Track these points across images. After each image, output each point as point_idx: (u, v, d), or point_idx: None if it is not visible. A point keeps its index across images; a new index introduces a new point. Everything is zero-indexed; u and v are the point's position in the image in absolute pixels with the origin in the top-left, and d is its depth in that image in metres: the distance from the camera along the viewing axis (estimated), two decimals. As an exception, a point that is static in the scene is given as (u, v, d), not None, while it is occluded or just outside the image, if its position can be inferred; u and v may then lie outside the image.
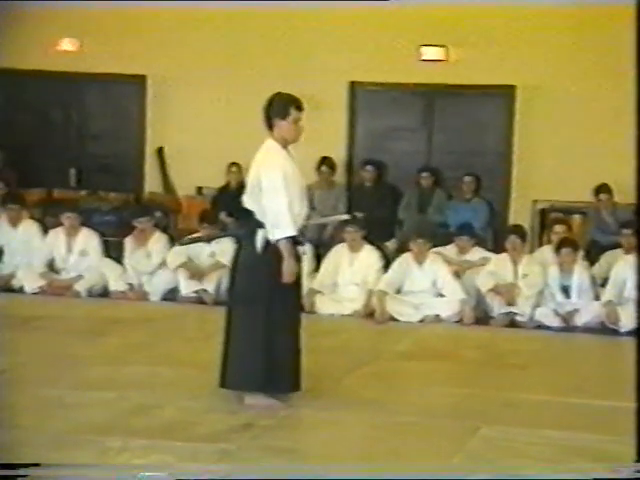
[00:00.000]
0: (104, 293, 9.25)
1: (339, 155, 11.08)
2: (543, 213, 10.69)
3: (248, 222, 5.39)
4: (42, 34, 11.36)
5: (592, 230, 9.92)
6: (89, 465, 4.33)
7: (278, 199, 5.23)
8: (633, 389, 5.52)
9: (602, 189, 9.81)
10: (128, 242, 9.44)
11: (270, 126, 5.39)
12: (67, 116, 11.96)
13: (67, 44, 11.58)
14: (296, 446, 4.83)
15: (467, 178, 10.39)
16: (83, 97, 11.90)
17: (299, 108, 5.37)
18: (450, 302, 8.50)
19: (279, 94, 5.40)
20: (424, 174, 10.62)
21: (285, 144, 5.40)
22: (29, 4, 10.45)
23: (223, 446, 4.76)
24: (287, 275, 5.24)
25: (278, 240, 5.22)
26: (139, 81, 11.62)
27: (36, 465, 4.00)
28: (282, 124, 5.33)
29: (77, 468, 4.22)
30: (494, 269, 8.75)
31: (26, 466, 3.96)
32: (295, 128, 5.36)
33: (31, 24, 11.03)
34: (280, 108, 5.34)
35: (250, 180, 5.48)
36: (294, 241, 5.27)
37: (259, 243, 5.28)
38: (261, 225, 5.30)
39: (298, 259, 5.33)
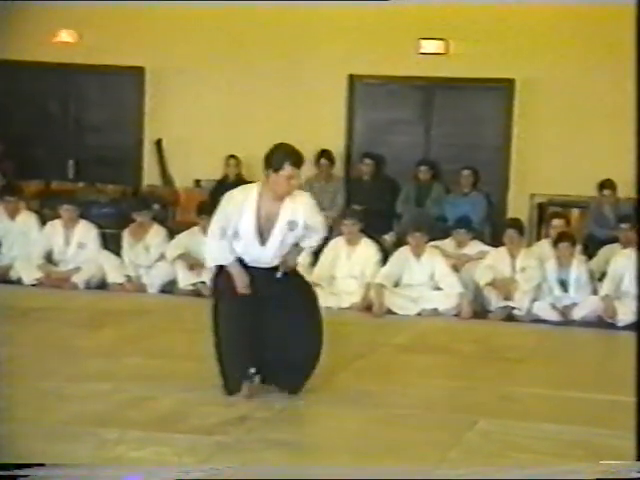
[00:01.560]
0: (102, 285, 9.24)
1: (338, 148, 11.07)
2: (541, 207, 10.69)
3: None
4: (40, 25, 11.33)
5: (590, 224, 9.92)
6: (90, 465, 4.32)
7: (215, 222, 5.44)
8: (630, 383, 5.53)
9: (606, 184, 9.79)
10: (126, 234, 9.44)
11: (266, 174, 5.36)
12: (65, 108, 11.94)
13: (65, 36, 11.56)
14: (292, 439, 4.83)
15: (465, 172, 10.38)
16: (81, 89, 11.87)
17: (295, 165, 5.30)
18: (448, 296, 8.51)
19: (279, 146, 5.37)
20: (422, 167, 10.61)
21: (275, 196, 5.37)
22: (28, -4, 10.46)
23: (219, 438, 4.77)
24: (240, 289, 5.41)
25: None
26: (137, 73, 11.60)
27: (40, 465, 4.01)
28: (274, 177, 5.30)
29: (79, 468, 4.21)
30: (492, 263, 8.75)
31: (29, 466, 3.96)
32: (287, 184, 5.30)
33: (29, 16, 11.00)
34: (275, 161, 5.31)
35: None
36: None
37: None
38: None
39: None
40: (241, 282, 5.40)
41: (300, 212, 5.40)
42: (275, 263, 5.46)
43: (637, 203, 8.52)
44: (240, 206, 5.36)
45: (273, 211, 5.36)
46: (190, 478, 4.21)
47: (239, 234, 5.38)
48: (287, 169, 5.25)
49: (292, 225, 5.38)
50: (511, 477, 4.34)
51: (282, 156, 5.30)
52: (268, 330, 5.42)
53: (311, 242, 5.59)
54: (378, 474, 4.32)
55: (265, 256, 5.43)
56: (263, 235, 5.39)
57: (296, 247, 5.52)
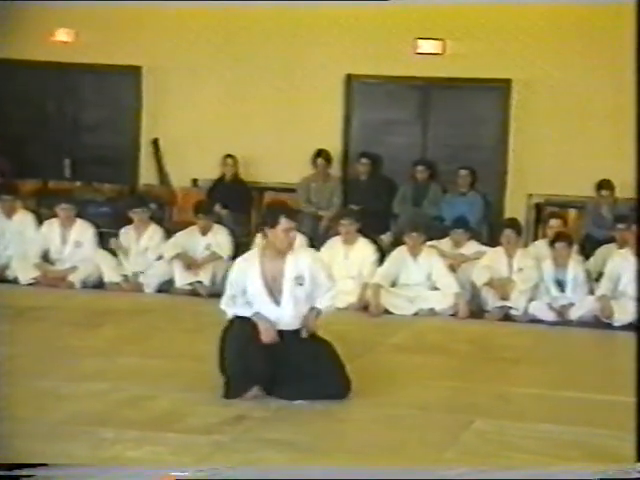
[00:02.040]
0: (99, 284, 9.24)
1: (335, 148, 11.06)
2: (538, 207, 10.70)
3: None
4: (37, 24, 11.32)
5: (587, 224, 9.93)
6: (89, 465, 4.32)
7: (226, 290, 5.60)
8: (628, 383, 5.53)
9: (604, 185, 9.80)
10: (123, 234, 9.43)
11: (264, 234, 5.57)
12: (62, 107, 11.92)
13: (62, 35, 11.55)
14: (290, 438, 4.83)
15: (462, 172, 10.38)
16: (78, 88, 11.85)
17: (290, 217, 5.45)
18: (445, 295, 8.51)
19: (272, 203, 5.60)
20: (419, 167, 10.61)
21: (277, 253, 5.48)
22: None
23: (216, 438, 4.77)
24: (264, 337, 5.42)
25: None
26: (134, 72, 11.59)
27: (43, 465, 4.01)
28: (272, 233, 5.45)
29: (79, 468, 4.22)
30: (489, 263, 8.76)
31: (33, 466, 3.96)
32: (286, 237, 5.44)
33: (26, 14, 10.99)
34: (270, 217, 5.49)
35: None
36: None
37: None
38: None
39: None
40: (266, 331, 5.40)
41: (305, 266, 5.52)
42: (297, 325, 5.51)
43: (636, 203, 8.52)
44: (244, 271, 5.51)
45: (278, 269, 5.47)
46: (188, 478, 4.21)
47: (251, 299, 5.47)
48: (283, 222, 5.41)
49: (299, 280, 5.49)
50: (508, 477, 4.34)
51: (276, 211, 5.56)
52: (287, 352, 5.43)
53: (325, 301, 5.61)
54: (375, 474, 4.33)
55: (284, 316, 5.49)
56: (274, 295, 5.49)
57: (314, 310, 5.57)
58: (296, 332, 5.52)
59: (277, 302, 5.49)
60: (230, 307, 5.56)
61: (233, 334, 5.43)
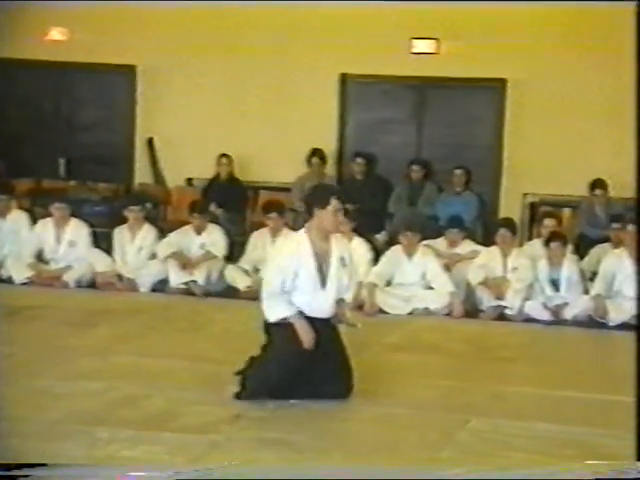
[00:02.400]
0: (93, 284, 9.22)
1: (330, 147, 11.07)
2: (533, 206, 10.71)
3: None
4: (32, 24, 11.30)
5: (582, 224, 9.94)
6: (88, 465, 4.31)
7: (272, 280, 5.42)
8: (622, 382, 5.54)
9: (598, 184, 9.81)
10: (117, 233, 9.42)
11: (309, 213, 5.49)
12: (57, 106, 11.91)
13: (57, 34, 11.54)
14: (285, 438, 4.83)
15: (457, 171, 10.39)
16: (73, 87, 11.85)
17: (340, 198, 5.45)
18: (440, 295, 8.51)
19: (321, 185, 5.53)
20: (414, 167, 10.61)
21: (321, 235, 5.47)
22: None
23: (212, 437, 4.76)
24: (306, 344, 5.37)
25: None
26: (129, 71, 11.58)
27: (42, 465, 4.00)
28: (322, 214, 5.41)
29: (77, 468, 4.21)
30: (484, 262, 8.76)
31: (32, 466, 3.95)
32: (335, 218, 5.43)
33: (21, 14, 10.97)
34: (320, 198, 5.46)
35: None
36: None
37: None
38: None
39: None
40: (307, 337, 5.38)
41: (346, 248, 5.60)
42: (332, 311, 5.53)
43: (633, 203, 8.53)
44: (296, 252, 5.43)
45: (324, 249, 5.47)
46: (183, 478, 4.20)
47: (300, 281, 5.41)
48: (334, 203, 5.40)
49: (344, 261, 5.53)
50: (507, 477, 4.34)
51: (327, 192, 5.55)
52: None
53: (349, 293, 5.70)
54: (371, 474, 4.32)
55: (326, 300, 5.49)
56: (323, 276, 5.48)
57: (342, 300, 5.63)
58: (327, 322, 5.52)
59: (324, 284, 5.47)
60: (273, 308, 5.41)
61: (276, 353, 5.37)
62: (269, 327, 5.48)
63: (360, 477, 4.28)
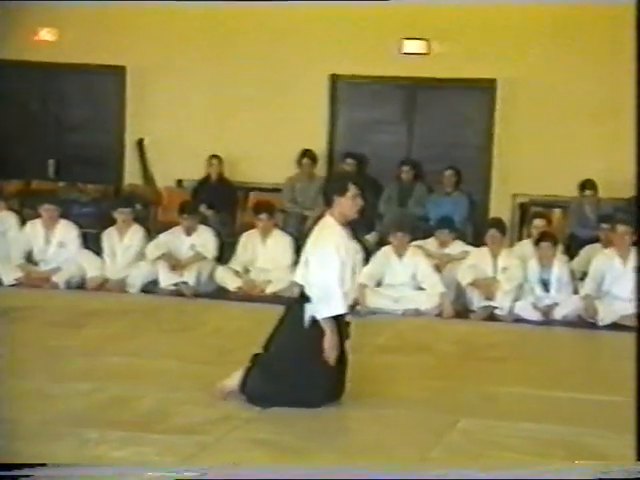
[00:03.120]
0: (82, 285, 9.19)
1: (320, 147, 11.06)
2: (523, 207, 10.73)
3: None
4: (21, 24, 11.27)
5: (572, 224, 9.96)
6: (90, 465, 4.30)
7: (328, 274, 5.29)
8: (612, 382, 5.55)
9: (587, 185, 9.83)
10: (106, 234, 9.39)
11: (329, 203, 5.46)
12: (46, 106, 11.88)
13: (46, 34, 11.51)
14: (275, 438, 4.82)
15: (448, 171, 10.39)
16: (62, 87, 11.82)
17: (356, 184, 5.47)
18: (430, 295, 8.51)
19: (337, 173, 5.53)
20: (405, 167, 10.61)
21: (344, 220, 5.45)
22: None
23: (201, 438, 4.75)
24: (329, 353, 5.29)
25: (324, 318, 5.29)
26: (118, 72, 11.56)
27: (42, 465, 3.98)
28: (341, 201, 5.41)
29: (76, 468, 4.20)
30: (474, 263, 8.77)
31: (31, 466, 3.93)
32: (354, 203, 5.43)
33: (10, 14, 10.94)
34: (338, 185, 5.48)
35: (303, 255, 5.55)
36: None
37: (306, 318, 5.33)
38: (309, 300, 5.34)
39: (342, 334, 5.39)
40: (333, 342, 5.28)
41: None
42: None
43: (636, 203, 8.53)
44: (344, 242, 5.38)
45: (348, 237, 5.48)
46: (174, 478, 4.19)
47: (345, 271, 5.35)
48: (352, 189, 5.41)
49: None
50: (494, 477, 4.34)
51: (344, 178, 5.74)
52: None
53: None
54: (360, 474, 4.32)
55: (354, 286, 5.56)
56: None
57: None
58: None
59: (353, 273, 5.46)
60: (340, 289, 5.27)
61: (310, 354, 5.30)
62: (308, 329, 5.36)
63: (350, 477, 4.28)
